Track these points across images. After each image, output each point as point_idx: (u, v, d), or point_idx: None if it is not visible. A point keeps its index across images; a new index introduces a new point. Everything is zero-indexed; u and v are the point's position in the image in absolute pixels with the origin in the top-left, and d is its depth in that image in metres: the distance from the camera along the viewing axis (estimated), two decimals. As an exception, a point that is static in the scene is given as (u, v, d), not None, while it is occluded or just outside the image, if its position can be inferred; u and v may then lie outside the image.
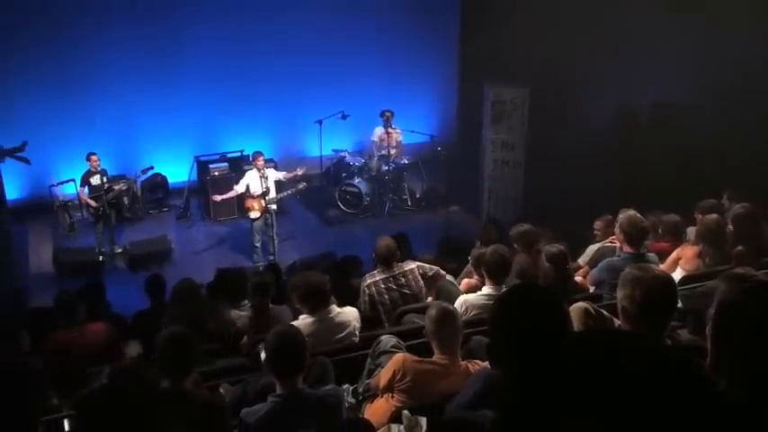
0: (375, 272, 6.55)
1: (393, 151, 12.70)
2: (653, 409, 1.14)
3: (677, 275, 5.87)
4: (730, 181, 8.17)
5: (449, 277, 7.03)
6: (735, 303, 1.99)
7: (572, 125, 11.27)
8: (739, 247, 6.26)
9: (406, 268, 6.54)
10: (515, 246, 7.05)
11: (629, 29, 10.31)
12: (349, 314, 5.50)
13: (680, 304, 3.90)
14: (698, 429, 1.16)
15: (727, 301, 2.01)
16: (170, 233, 11.97)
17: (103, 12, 12.23)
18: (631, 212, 6.13)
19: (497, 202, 12.30)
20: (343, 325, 5.39)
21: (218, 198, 11.42)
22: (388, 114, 12.59)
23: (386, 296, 6.39)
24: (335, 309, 5.43)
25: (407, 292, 6.42)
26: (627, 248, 6.01)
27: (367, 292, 6.44)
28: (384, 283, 6.42)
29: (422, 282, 6.54)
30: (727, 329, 1.98)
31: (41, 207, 12.32)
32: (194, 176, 12.99)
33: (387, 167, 12.70)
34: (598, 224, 7.63)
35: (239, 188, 10.91)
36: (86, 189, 11.04)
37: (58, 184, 12.00)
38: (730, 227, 6.37)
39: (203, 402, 4.03)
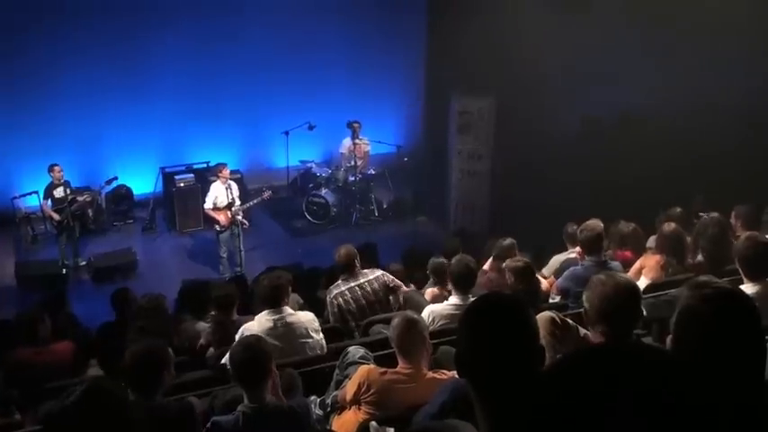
0: (339, 282, 6.53)
1: (360, 162, 12.71)
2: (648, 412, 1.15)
3: (641, 284, 5.93)
4: (694, 190, 8.28)
5: (412, 287, 7.05)
6: (693, 310, 2.03)
7: (538, 135, 11.36)
8: (699, 258, 6.36)
9: (371, 276, 6.54)
10: (495, 258, 7.05)
11: (594, 38, 10.42)
12: (302, 317, 5.56)
13: (644, 312, 3.95)
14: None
15: (686, 308, 2.05)
16: (135, 245, 11.84)
17: (65, 21, 12.07)
18: (590, 221, 6.20)
19: (464, 213, 12.36)
20: (294, 326, 5.44)
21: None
22: (355, 125, 12.63)
23: (353, 305, 6.37)
24: (288, 310, 5.52)
25: (374, 299, 6.42)
26: (588, 256, 6.08)
27: (335, 303, 6.42)
28: (350, 293, 6.41)
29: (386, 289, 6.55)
30: (685, 336, 2.01)
31: (3, 220, 12.14)
32: (160, 188, 12.89)
33: (353, 178, 12.70)
34: (565, 234, 7.68)
35: (207, 204, 10.81)
36: (49, 202, 10.89)
37: (21, 196, 11.80)
38: (689, 237, 6.49)
39: (175, 414, 4.03)
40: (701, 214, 6.96)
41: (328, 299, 6.50)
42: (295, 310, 5.77)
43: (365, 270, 6.61)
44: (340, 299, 6.39)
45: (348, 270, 6.48)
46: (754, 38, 8.89)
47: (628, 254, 7.01)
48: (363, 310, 6.37)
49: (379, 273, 6.62)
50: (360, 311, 6.37)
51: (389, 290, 6.59)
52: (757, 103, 9.14)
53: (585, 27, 10.41)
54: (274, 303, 5.49)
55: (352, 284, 6.42)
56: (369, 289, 6.44)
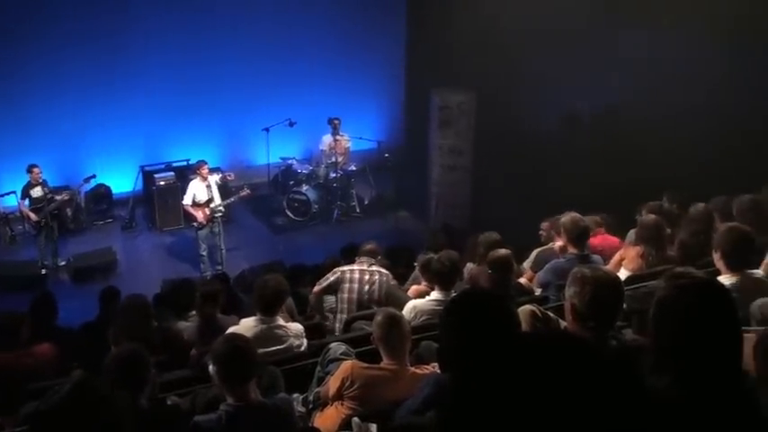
0: (354, 264, 6.90)
1: (341, 158, 12.70)
2: (588, 411, 1.17)
3: (621, 276, 5.96)
4: (672, 183, 8.33)
5: (393, 282, 7.08)
6: (668, 300, 2.04)
7: (520, 129, 11.37)
8: (682, 237, 6.39)
9: (384, 271, 6.87)
10: (478, 252, 7.07)
11: (574, 33, 10.42)
12: (292, 329, 5.43)
13: (624, 304, 3.98)
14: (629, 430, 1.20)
15: (662, 299, 2.06)
16: (115, 244, 11.77)
17: (43, 18, 11.94)
18: (572, 213, 6.24)
19: (445, 208, 12.37)
20: (281, 336, 5.33)
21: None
22: (335, 122, 12.64)
23: (356, 285, 6.67)
24: (280, 320, 5.38)
25: (375, 290, 6.71)
26: (571, 249, 6.10)
27: (332, 278, 6.75)
28: (359, 273, 6.72)
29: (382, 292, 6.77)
30: (662, 326, 2.03)
31: (-19, 220, 11.99)
32: (140, 186, 12.82)
33: (334, 174, 12.70)
34: (545, 226, 7.72)
35: (186, 200, 10.80)
36: (27, 201, 10.79)
37: (-1, 196, 11.68)
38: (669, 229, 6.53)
39: (161, 416, 4.00)
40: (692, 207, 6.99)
41: (334, 270, 6.84)
42: (288, 315, 5.77)
43: (381, 266, 6.99)
44: (347, 274, 6.74)
45: (367, 256, 6.92)
46: (744, 37, 8.89)
47: (615, 239, 7.11)
48: (361, 296, 6.69)
49: (385, 272, 6.91)
50: (358, 295, 6.69)
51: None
52: (739, 102, 9.14)
53: (568, 20, 10.40)
54: (269, 311, 5.32)
55: (365, 267, 6.78)
56: (376, 279, 6.74)
